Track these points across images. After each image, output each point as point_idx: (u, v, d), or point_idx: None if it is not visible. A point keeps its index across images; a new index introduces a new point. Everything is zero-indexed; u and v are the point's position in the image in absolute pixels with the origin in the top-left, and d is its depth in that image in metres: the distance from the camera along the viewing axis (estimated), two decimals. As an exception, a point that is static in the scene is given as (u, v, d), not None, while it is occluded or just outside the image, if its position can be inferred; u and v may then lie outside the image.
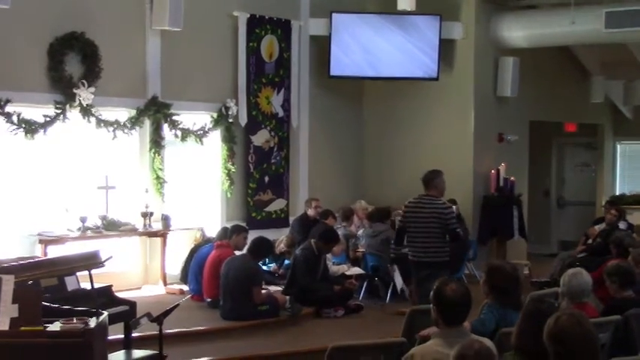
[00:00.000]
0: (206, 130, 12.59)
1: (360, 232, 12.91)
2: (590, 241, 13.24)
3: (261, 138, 13.46)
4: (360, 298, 11.78)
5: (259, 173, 13.43)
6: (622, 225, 13.18)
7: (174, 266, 12.04)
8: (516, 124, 15.12)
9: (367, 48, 14.03)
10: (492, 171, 14.29)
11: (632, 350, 6.10)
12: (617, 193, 17.28)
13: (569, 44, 15.57)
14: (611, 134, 17.97)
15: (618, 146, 18.11)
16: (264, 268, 11.77)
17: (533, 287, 11.53)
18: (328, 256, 11.53)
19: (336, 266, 11.93)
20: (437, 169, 9.59)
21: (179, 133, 12.27)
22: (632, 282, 7.38)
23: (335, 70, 14.01)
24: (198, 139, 12.50)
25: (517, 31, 14.31)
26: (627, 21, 12.80)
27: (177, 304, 7.43)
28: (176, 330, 9.10)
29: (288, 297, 10.56)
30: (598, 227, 13.54)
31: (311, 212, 12.95)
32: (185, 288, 11.53)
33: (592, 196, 17.72)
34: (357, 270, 12.01)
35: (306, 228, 12.57)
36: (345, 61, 13.99)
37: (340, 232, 12.18)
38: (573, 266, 9.08)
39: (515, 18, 14.27)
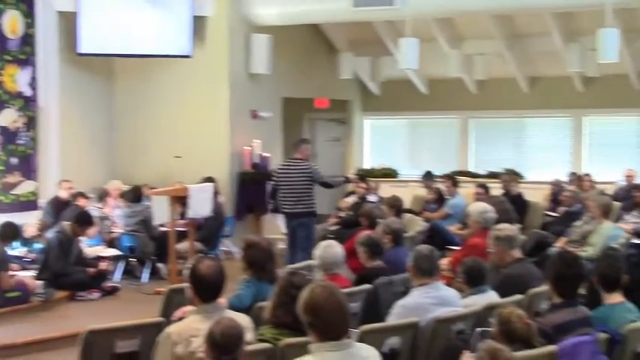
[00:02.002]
0: (-54, 110, 11.93)
1: (117, 212, 12.69)
2: (342, 213, 13.68)
3: (7, 118, 12.86)
4: (117, 279, 11.60)
5: (6, 155, 12.84)
6: (372, 198, 13.73)
7: None
8: (269, 101, 15.36)
9: (117, 24, 13.68)
10: (247, 148, 14.43)
11: (380, 317, 6.35)
12: (367, 167, 17.95)
13: (319, 22, 15.95)
14: (360, 109, 18.58)
15: (366, 121, 18.73)
16: (13, 252, 11.31)
17: (289, 261, 11.77)
18: (82, 238, 11.25)
19: (91, 248, 11.68)
20: (305, 138, 12.43)
21: None
22: (380, 252, 7.74)
23: (84, 48, 13.58)
24: (-63, 120, 11.82)
25: (268, 9, 14.49)
26: (374, 0, 13.27)
27: None
28: None
29: (41, 282, 10.21)
30: (350, 199, 14.02)
31: (63, 194, 12.60)
32: None
33: (343, 171, 18.26)
34: (112, 251, 11.81)
35: (59, 210, 12.24)
36: (95, 37, 13.59)
37: (95, 213, 11.91)
38: (326, 239, 9.36)
39: (267, -5, 14.44)
